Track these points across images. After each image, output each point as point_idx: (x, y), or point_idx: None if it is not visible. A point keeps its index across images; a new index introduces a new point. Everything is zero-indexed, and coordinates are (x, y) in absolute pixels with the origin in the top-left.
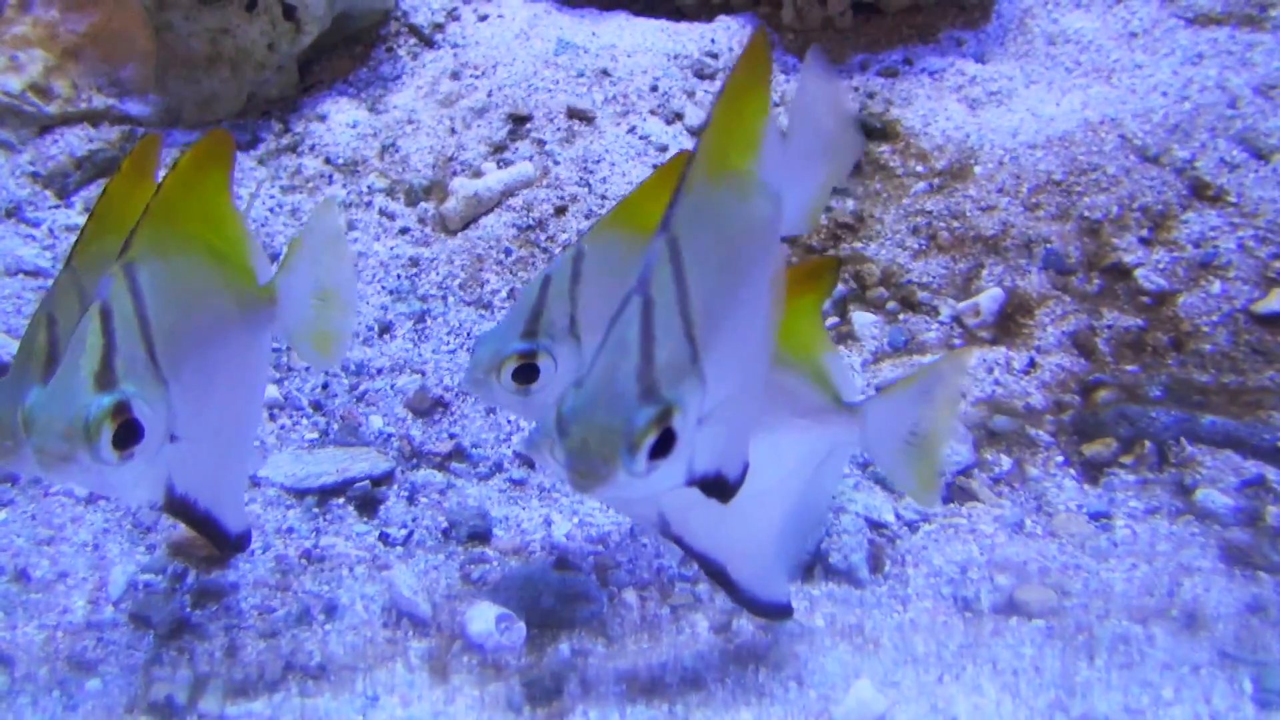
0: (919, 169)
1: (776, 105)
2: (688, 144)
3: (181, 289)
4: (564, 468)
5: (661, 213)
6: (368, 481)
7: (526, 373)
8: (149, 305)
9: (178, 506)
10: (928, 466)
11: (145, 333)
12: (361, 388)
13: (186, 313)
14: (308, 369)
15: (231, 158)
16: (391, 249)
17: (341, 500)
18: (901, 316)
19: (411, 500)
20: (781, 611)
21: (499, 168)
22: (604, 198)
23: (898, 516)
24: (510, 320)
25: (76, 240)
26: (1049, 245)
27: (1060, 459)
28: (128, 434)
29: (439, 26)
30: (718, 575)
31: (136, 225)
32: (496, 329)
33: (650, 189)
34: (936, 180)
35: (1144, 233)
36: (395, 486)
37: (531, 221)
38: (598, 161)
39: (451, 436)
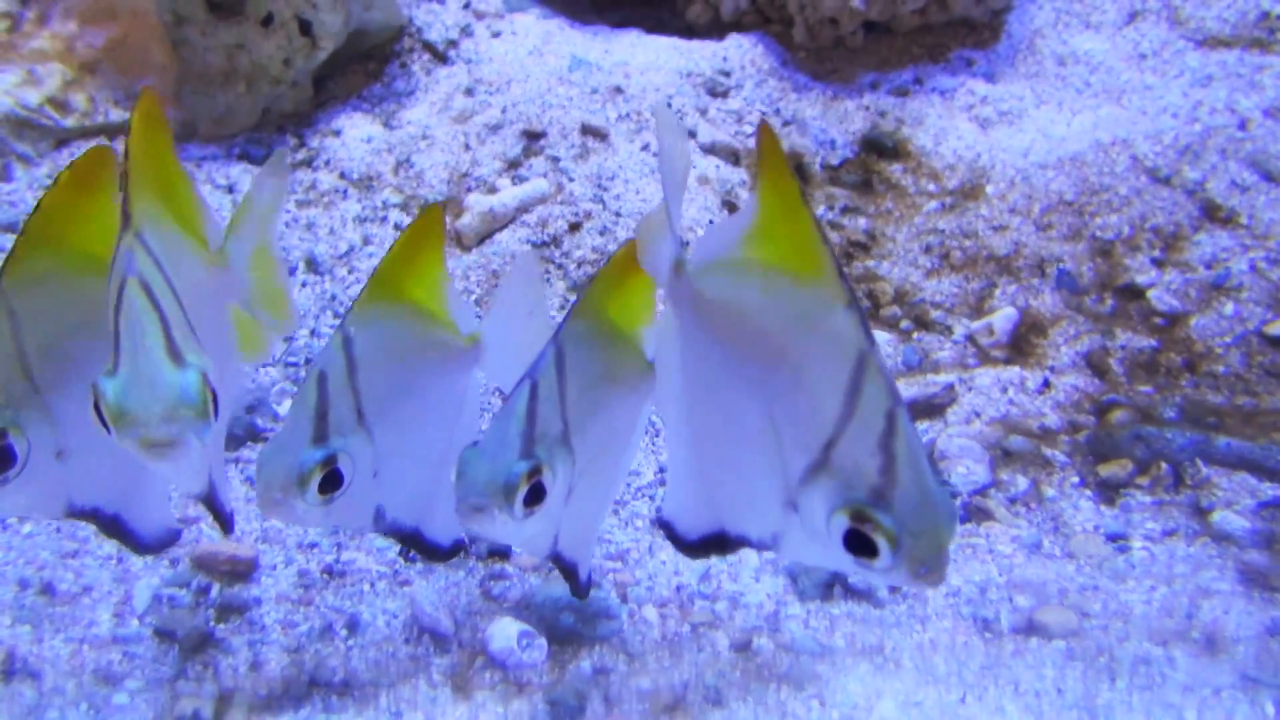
0: (931, 188)
1: (789, 124)
2: (701, 161)
3: (175, 262)
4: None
5: (406, 278)
6: None
7: (332, 480)
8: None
9: None
10: None
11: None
12: None
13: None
14: None
15: (164, 116)
16: None
17: None
18: (915, 335)
19: None
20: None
21: (513, 184)
22: (618, 214)
23: None
24: (295, 427)
25: (6, 258)
26: (1062, 265)
27: (1076, 479)
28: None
29: (453, 43)
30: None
31: (126, 197)
32: (282, 439)
33: (396, 257)
34: (948, 199)
35: (1156, 253)
36: None
37: (546, 238)
38: (611, 178)
39: None
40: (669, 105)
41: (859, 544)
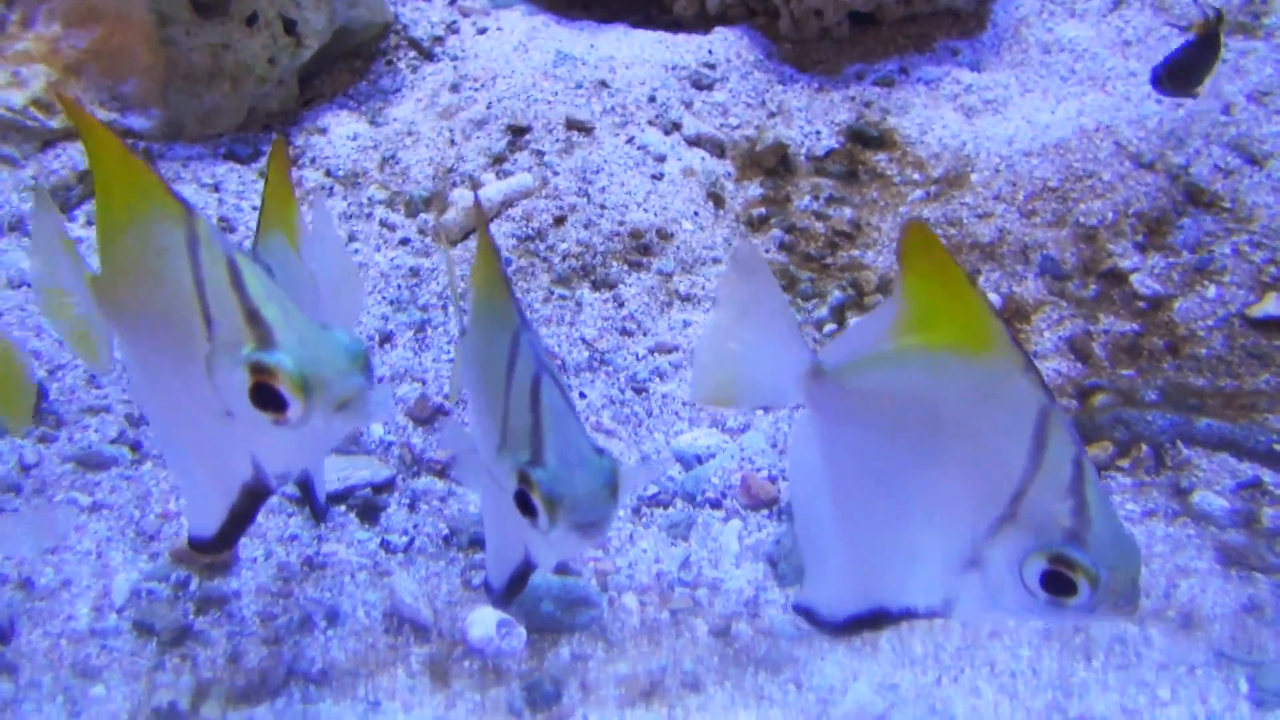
0: (916, 177)
1: (774, 115)
2: (686, 153)
3: None
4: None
5: (284, 211)
6: (369, 489)
7: None
8: None
9: None
10: None
11: None
12: None
13: None
14: None
15: None
16: (392, 260)
17: (343, 508)
18: None
19: (413, 507)
20: None
21: (498, 178)
22: (603, 207)
23: None
24: None
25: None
26: (1045, 251)
27: None
28: None
29: (438, 40)
30: None
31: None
32: None
33: (275, 190)
34: (933, 188)
35: (1139, 238)
36: (396, 494)
37: (531, 231)
38: (596, 171)
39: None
40: (653, 99)
41: (1058, 585)
